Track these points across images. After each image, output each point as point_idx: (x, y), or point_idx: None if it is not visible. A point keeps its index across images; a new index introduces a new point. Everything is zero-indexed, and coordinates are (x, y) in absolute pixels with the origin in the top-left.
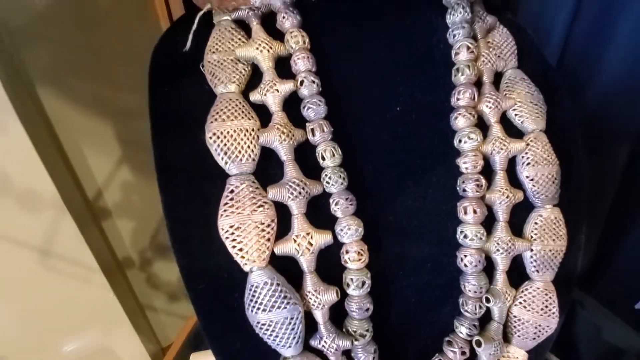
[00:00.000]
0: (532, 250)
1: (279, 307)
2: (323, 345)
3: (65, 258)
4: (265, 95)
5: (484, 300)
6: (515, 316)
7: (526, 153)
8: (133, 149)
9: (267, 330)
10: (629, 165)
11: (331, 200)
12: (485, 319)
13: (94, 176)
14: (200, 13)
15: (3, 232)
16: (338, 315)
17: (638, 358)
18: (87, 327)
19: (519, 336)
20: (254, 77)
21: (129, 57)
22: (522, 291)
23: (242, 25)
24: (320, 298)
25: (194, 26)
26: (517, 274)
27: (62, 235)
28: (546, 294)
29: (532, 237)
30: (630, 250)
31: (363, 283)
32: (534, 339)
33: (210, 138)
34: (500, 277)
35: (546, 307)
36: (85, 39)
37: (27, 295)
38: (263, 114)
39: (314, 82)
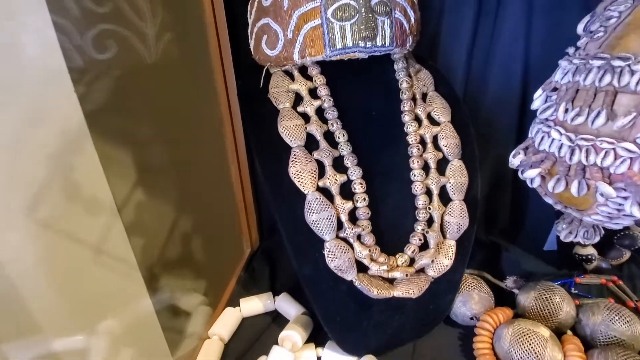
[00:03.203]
0: (450, 182)
1: (322, 211)
2: (346, 234)
3: (113, 256)
4: (306, 107)
5: (428, 209)
6: (446, 220)
7: (441, 132)
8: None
9: (316, 225)
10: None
11: (344, 159)
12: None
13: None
14: (265, 68)
15: (69, 231)
16: (353, 221)
17: (543, 276)
18: (120, 313)
19: (449, 232)
20: (297, 100)
21: None
22: (448, 206)
23: (287, 73)
24: (344, 206)
25: (263, 74)
26: (444, 197)
27: (112, 237)
28: (461, 207)
29: (449, 175)
30: (534, 210)
31: (364, 199)
32: (458, 232)
33: (282, 130)
34: (435, 199)
35: (462, 213)
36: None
37: (78, 284)
38: (304, 118)
39: (330, 100)
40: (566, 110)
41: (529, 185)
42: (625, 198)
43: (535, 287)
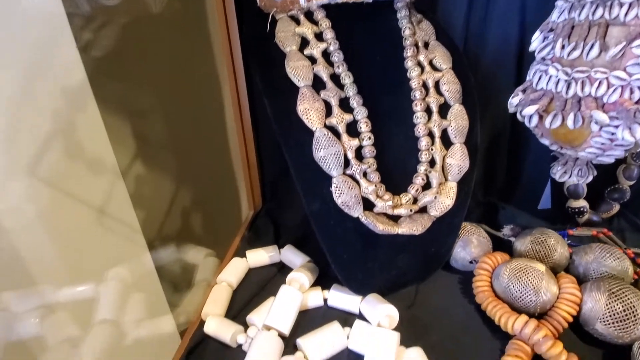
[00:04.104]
0: (451, 126)
1: (329, 147)
2: (353, 171)
3: (116, 218)
4: (312, 50)
5: (430, 150)
6: (447, 163)
7: (443, 78)
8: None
9: (324, 161)
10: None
11: (350, 99)
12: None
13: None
14: (271, 14)
15: (72, 190)
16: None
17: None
18: (122, 269)
19: (451, 174)
20: (303, 44)
21: None
22: (450, 149)
23: (293, 18)
24: (350, 143)
25: (269, 19)
26: (446, 142)
27: (115, 198)
28: (462, 150)
29: (450, 119)
30: (531, 167)
31: (370, 138)
32: (459, 174)
33: (290, 70)
34: (437, 141)
35: (463, 156)
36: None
37: (81, 244)
38: (311, 60)
39: (335, 43)
40: (563, 47)
41: (527, 124)
42: (616, 127)
43: (531, 232)
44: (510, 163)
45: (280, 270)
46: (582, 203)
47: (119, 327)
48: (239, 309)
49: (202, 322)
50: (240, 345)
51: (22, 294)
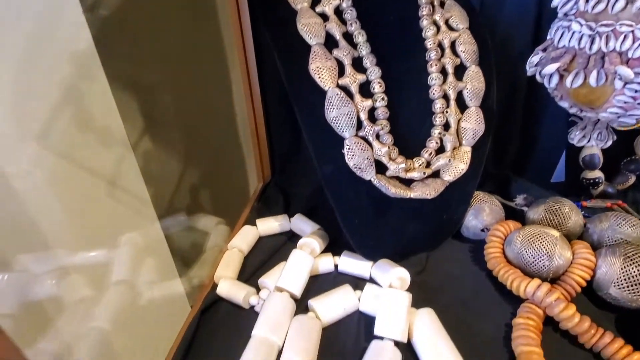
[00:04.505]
0: (467, 88)
1: (342, 106)
2: (366, 132)
3: (126, 190)
4: (324, 6)
5: (445, 113)
6: (462, 127)
7: (460, 38)
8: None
9: (336, 121)
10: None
11: (364, 59)
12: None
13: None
14: None
15: (82, 161)
16: (372, 120)
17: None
18: (133, 239)
19: (465, 138)
20: (315, 2)
21: None
22: (465, 113)
23: None
24: (363, 104)
25: None
26: (461, 104)
27: (125, 170)
28: (477, 113)
29: (466, 81)
30: (546, 138)
31: (383, 99)
32: (473, 138)
33: (301, 27)
34: (452, 103)
35: (478, 119)
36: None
37: (91, 212)
38: (323, 18)
39: (349, 0)
40: (587, 0)
41: (547, 85)
42: None
43: (545, 201)
44: (524, 133)
45: (291, 239)
46: (597, 174)
47: (133, 288)
48: (251, 273)
49: (215, 286)
50: (252, 307)
51: (38, 256)
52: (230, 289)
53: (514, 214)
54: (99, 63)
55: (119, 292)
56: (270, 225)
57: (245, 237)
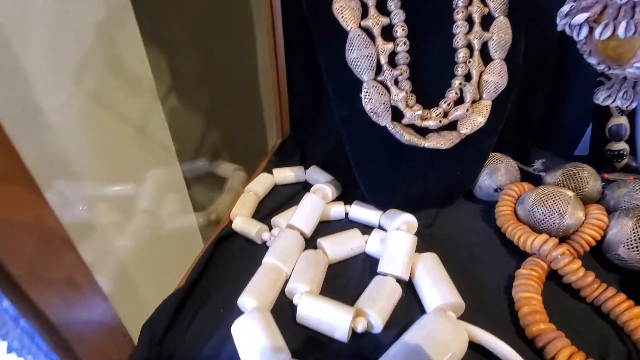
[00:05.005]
0: (493, 39)
1: (363, 48)
2: (385, 77)
3: (151, 136)
4: None
5: (467, 63)
6: (484, 80)
7: None
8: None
9: (356, 63)
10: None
11: (388, 1)
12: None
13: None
14: None
15: (111, 104)
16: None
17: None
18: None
19: (487, 92)
20: None
21: None
22: (489, 65)
23: None
24: (384, 47)
25: None
26: (485, 57)
27: (151, 118)
28: (501, 66)
29: (493, 32)
30: (572, 108)
31: (405, 43)
32: (495, 92)
33: (335, 9)
34: (476, 54)
35: (501, 72)
36: None
37: (116, 153)
38: None
39: None
40: None
41: (576, 37)
42: None
43: (564, 166)
44: (549, 102)
45: (305, 189)
46: (622, 146)
47: (156, 218)
48: (265, 215)
49: (230, 223)
50: (264, 242)
51: (71, 184)
52: (244, 224)
53: (531, 180)
54: (133, 14)
55: (144, 219)
56: (286, 174)
57: (261, 183)
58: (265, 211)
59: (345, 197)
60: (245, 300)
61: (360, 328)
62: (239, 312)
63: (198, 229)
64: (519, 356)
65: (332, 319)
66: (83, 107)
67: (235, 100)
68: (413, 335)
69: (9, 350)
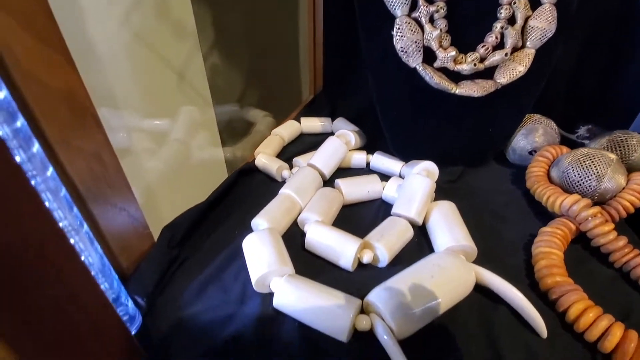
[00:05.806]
0: None
1: None
2: (419, 13)
3: (192, 85)
4: None
5: (512, 4)
6: (530, 25)
7: None
8: None
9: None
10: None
11: None
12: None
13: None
14: None
15: (156, 48)
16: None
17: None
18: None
19: (531, 39)
20: None
21: None
22: (537, 10)
23: None
24: None
25: None
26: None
27: (193, 66)
28: (551, 11)
29: None
30: (626, 81)
31: (443, 8)
32: (540, 40)
33: None
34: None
35: (550, 18)
36: None
37: (156, 89)
38: None
39: None
40: None
41: None
42: None
43: (611, 133)
44: (605, 72)
45: None
46: None
47: (186, 148)
48: (288, 156)
49: (254, 160)
50: (284, 180)
51: (113, 112)
52: (266, 161)
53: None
54: None
55: (173, 147)
56: (313, 123)
57: (288, 128)
58: (289, 154)
59: (368, 148)
60: (259, 221)
61: (365, 259)
62: None
63: (224, 162)
64: (528, 301)
65: (339, 246)
66: (128, 43)
67: (274, 54)
68: (418, 266)
69: None
